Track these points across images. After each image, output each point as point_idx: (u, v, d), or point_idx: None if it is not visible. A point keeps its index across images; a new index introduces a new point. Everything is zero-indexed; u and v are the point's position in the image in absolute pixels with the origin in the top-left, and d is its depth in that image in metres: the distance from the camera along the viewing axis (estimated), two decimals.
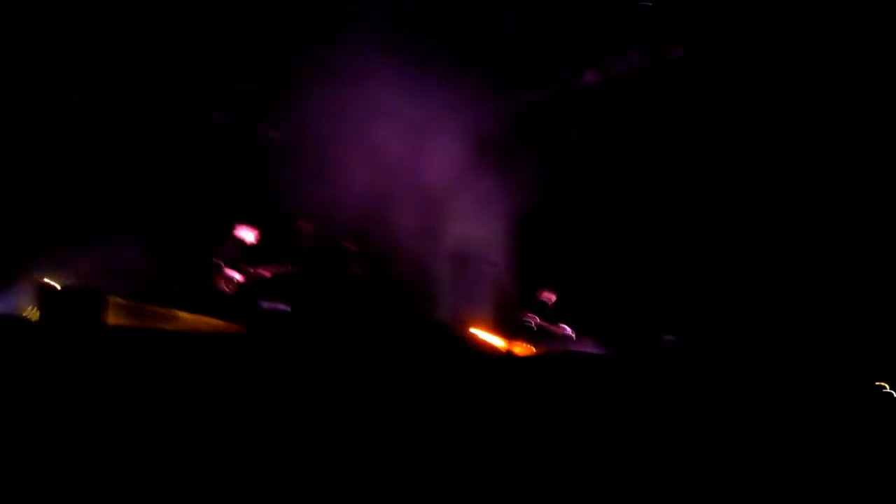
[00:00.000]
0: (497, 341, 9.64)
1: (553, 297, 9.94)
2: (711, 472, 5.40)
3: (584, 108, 10.52)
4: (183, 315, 8.39)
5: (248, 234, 9.36)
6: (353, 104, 9.77)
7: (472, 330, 9.77)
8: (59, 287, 7.26)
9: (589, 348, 9.30)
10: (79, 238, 9.21)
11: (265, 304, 9.07)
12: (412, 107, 9.80)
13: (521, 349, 9.24)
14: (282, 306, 9.11)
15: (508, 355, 8.73)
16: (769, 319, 8.01)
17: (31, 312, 8.27)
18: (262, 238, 9.44)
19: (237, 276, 9.22)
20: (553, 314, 9.88)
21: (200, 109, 10.20)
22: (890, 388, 6.11)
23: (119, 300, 8.08)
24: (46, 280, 7.33)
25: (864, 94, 9.26)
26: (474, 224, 10.13)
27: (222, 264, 9.26)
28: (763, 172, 9.67)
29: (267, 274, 9.23)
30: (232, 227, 9.46)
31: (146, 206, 10.08)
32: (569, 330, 9.59)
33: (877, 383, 6.49)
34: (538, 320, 9.60)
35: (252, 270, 9.21)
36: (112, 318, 7.51)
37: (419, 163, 9.84)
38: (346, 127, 9.81)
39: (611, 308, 9.87)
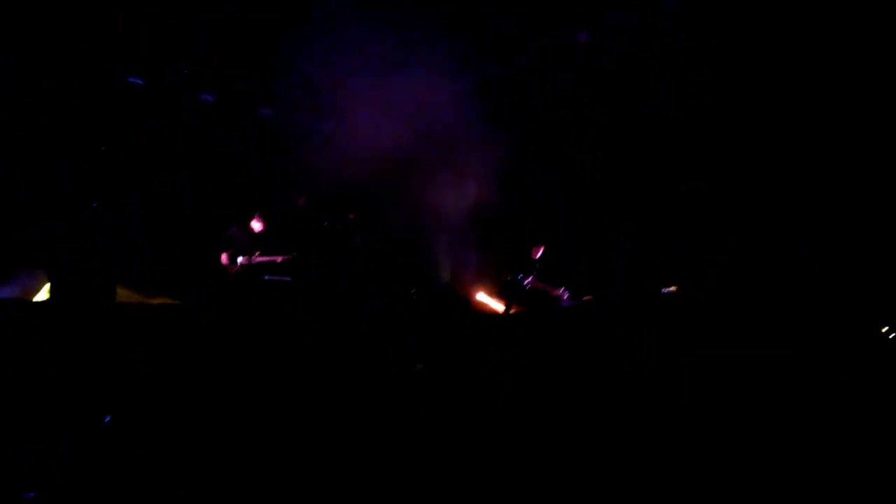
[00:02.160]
0: (496, 303, 9.71)
1: (541, 250, 9.83)
2: (710, 471, 5.41)
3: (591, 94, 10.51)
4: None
5: (255, 224, 9.72)
6: (343, 73, 9.81)
7: (476, 294, 9.88)
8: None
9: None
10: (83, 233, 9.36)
11: (269, 277, 9.42)
12: (406, 73, 9.80)
13: (513, 308, 9.32)
14: (285, 278, 9.45)
15: (506, 314, 8.87)
16: (770, 318, 8.01)
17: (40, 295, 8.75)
18: (267, 223, 9.71)
19: (243, 260, 9.44)
20: (546, 271, 9.80)
21: (200, 109, 10.22)
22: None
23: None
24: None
25: (865, 95, 9.27)
26: (469, 188, 10.15)
27: (230, 251, 9.57)
28: (766, 173, 9.68)
29: (277, 260, 9.53)
30: (238, 216, 9.74)
31: (149, 201, 10.17)
32: (563, 291, 9.49)
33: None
34: (534, 281, 9.55)
35: (259, 256, 9.46)
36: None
37: (415, 128, 9.84)
38: (337, 97, 9.82)
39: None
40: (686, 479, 5.34)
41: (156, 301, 9.29)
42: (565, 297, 9.46)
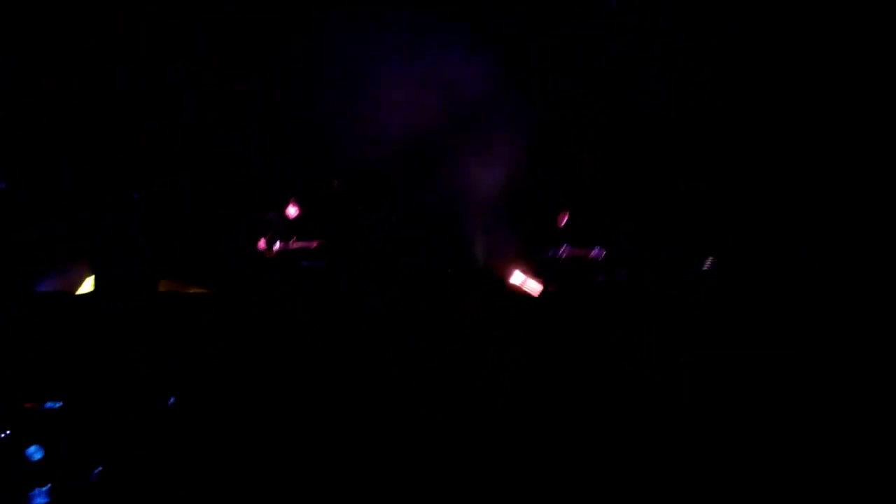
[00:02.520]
0: (532, 283, 9.69)
1: (566, 216, 9.83)
2: (711, 470, 5.42)
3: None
4: None
5: (290, 209, 9.78)
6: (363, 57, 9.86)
7: (512, 274, 9.87)
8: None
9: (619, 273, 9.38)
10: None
11: (306, 264, 9.50)
12: (435, 51, 9.84)
13: (551, 288, 9.31)
14: (320, 264, 9.51)
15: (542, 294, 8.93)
16: (770, 318, 8.02)
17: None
18: (303, 208, 9.78)
19: (280, 246, 9.57)
20: (576, 236, 9.77)
21: (200, 109, 10.19)
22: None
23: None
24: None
25: (865, 95, 9.28)
26: (500, 165, 10.12)
27: (267, 236, 9.63)
28: (766, 173, 9.68)
29: (312, 245, 9.58)
30: (274, 202, 9.79)
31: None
32: (598, 251, 9.46)
33: None
34: (569, 249, 9.55)
35: (295, 242, 9.61)
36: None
37: (445, 106, 9.84)
38: (367, 78, 9.87)
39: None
40: (686, 479, 5.35)
41: (193, 290, 9.36)
42: (601, 258, 9.45)
